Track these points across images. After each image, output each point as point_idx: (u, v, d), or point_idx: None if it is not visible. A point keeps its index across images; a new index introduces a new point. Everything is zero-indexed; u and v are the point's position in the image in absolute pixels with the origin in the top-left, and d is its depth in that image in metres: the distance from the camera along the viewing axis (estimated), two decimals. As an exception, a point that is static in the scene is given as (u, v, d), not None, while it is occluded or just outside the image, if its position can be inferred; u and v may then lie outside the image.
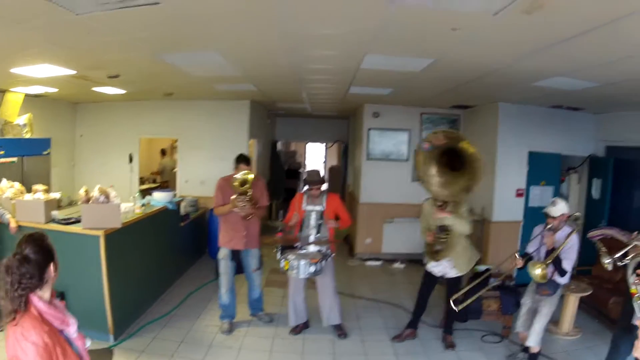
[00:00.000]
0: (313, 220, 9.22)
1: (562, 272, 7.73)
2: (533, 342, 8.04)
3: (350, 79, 10.29)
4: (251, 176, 8.77)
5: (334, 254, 9.07)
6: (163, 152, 20.33)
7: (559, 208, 7.85)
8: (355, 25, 6.08)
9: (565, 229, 7.88)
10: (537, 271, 7.54)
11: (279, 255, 8.73)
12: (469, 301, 8.11)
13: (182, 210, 12.53)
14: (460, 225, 8.55)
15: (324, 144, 29.22)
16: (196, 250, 13.50)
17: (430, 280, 9.26)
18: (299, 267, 8.40)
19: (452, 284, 9.09)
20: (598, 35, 5.67)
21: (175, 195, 12.00)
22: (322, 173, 9.56)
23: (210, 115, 15.10)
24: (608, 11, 4.91)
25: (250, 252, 9.49)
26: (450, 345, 9.19)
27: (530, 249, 8.28)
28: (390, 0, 5.01)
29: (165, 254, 11.23)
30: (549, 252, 7.79)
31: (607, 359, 7.22)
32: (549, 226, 7.93)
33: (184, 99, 14.57)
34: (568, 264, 7.73)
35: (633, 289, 4.76)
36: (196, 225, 13.32)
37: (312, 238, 9.09)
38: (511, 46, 6.69)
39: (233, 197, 8.85)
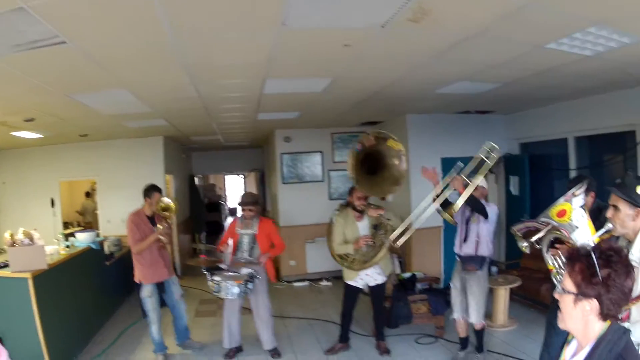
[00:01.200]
0: (246, 243, 9.23)
1: (479, 206, 7.86)
2: (474, 318, 8.20)
3: (256, 106, 10.34)
4: (172, 204, 9.02)
5: (259, 276, 8.87)
6: (88, 194, 20.01)
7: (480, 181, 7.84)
8: (250, 50, 6.17)
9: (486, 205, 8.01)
10: (446, 215, 7.60)
11: (208, 277, 8.62)
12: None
13: (107, 250, 12.39)
14: (396, 218, 8.70)
15: (242, 174, 29.18)
16: (124, 288, 13.17)
17: (352, 293, 9.27)
18: (224, 288, 8.36)
19: (378, 291, 9.24)
20: (486, 37, 5.84)
21: (98, 235, 11.85)
22: (256, 195, 9.60)
23: (126, 154, 15.02)
24: (490, 14, 5.07)
25: (171, 279, 9.44)
26: (384, 351, 9.23)
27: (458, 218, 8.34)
28: (282, 22, 5.10)
29: (95, 294, 11.05)
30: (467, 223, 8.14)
31: (545, 341, 7.29)
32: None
33: (100, 139, 14.42)
34: (491, 213, 7.99)
35: (550, 265, 4.83)
36: (122, 264, 12.96)
37: (244, 259, 9.11)
38: (405, 56, 6.82)
39: (159, 225, 8.89)
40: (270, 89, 8.53)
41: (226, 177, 33.34)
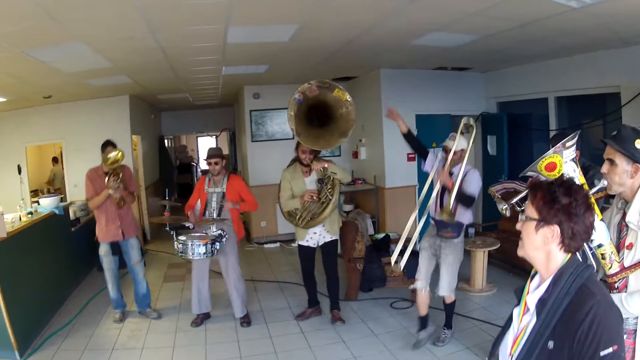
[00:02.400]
0: (214, 202, 9.00)
1: (469, 201, 7.34)
2: (445, 291, 7.72)
3: (221, 58, 10.01)
4: (120, 154, 8.78)
5: (226, 236, 8.66)
6: (55, 160, 19.57)
7: (460, 143, 7.44)
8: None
9: (463, 167, 7.35)
10: (444, 216, 7.26)
11: (174, 237, 8.47)
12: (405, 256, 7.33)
13: (72, 215, 12.13)
14: (342, 172, 8.44)
15: (213, 134, 28.93)
16: (92, 254, 12.60)
17: (305, 253, 9.01)
18: (189, 247, 8.16)
19: (328, 249, 8.93)
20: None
21: (62, 200, 11.50)
22: (223, 150, 9.38)
23: (92, 115, 14.63)
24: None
25: (129, 242, 9.37)
26: (337, 319, 8.95)
27: (429, 170, 7.74)
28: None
29: (60, 261, 10.78)
30: (443, 190, 7.57)
31: None
32: (447, 162, 7.44)
33: (64, 100, 14.07)
34: (474, 189, 7.37)
35: None
36: (89, 229, 12.46)
37: (214, 216, 8.90)
38: (375, 1, 6.44)
39: (107, 180, 8.82)
40: (234, 38, 8.19)
41: (199, 138, 33.15)
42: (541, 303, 2.66)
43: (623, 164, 3.98)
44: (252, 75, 12.93)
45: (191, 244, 8.11)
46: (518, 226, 2.83)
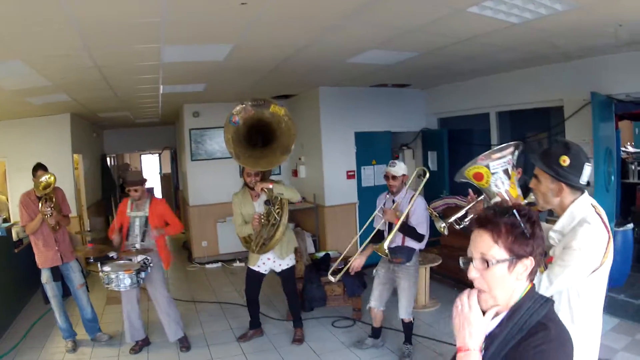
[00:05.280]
0: (137, 227, 8.76)
1: (420, 238, 7.55)
2: (403, 314, 7.89)
3: (157, 77, 9.91)
4: (52, 178, 8.54)
5: (151, 264, 8.42)
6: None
7: (400, 167, 7.70)
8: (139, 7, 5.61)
9: (407, 193, 7.73)
10: (379, 252, 7.29)
11: (99, 267, 8.13)
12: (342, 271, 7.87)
13: (15, 236, 11.87)
14: (289, 191, 8.19)
15: (156, 152, 28.69)
16: (37, 276, 12.52)
17: (254, 278, 8.89)
18: (114, 279, 7.87)
19: (286, 276, 8.86)
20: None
21: (5, 221, 11.29)
22: (144, 174, 9.16)
23: (34, 133, 14.32)
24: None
25: (69, 266, 9.08)
26: (296, 340, 8.89)
27: (378, 224, 7.87)
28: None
29: (3, 284, 10.50)
30: (391, 225, 7.57)
31: None
32: (392, 190, 7.82)
33: (6, 118, 13.82)
34: (423, 228, 7.56)
35: None
36: (33, 250, 12.51)
37: (137, 246, 8.64)
38: (308, 19, 6.40)
39: (40, 206, 8.53)
40: (169, 58, 8.12)
41: (142, 156, 32.79)
42: (490, 337, 2.47)
43: (547, 182, 3.91)
44: (191, 94, 12.86)
45: (116, 276, 7.86)
46: (472, 276, 2.55)
